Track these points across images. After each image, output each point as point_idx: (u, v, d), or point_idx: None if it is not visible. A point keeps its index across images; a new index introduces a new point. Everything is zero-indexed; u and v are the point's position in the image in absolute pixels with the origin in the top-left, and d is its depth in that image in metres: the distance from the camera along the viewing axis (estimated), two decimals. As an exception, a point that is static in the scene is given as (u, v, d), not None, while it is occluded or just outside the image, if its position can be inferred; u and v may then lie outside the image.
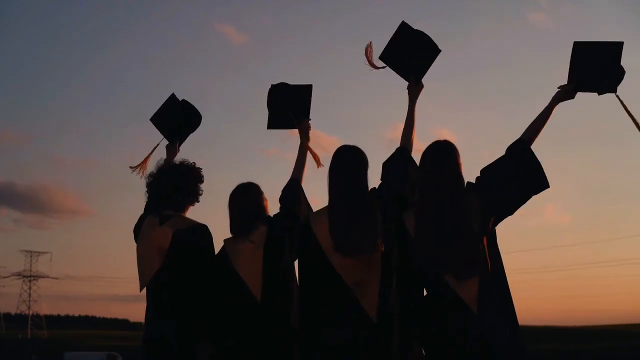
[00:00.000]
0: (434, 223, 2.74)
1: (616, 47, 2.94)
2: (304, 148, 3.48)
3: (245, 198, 3.27)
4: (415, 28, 3.32)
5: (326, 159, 3.12)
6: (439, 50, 3.29)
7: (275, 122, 3.66)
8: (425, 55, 3.30)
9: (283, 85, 3.62)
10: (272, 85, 3.65)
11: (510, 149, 2.90)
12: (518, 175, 2.81)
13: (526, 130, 2.94)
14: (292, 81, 3.61)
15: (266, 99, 3.66)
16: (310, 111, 3.58)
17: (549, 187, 2.82)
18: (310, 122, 3.57)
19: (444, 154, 2.85)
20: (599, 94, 2.98)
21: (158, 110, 3.84)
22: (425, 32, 3.30)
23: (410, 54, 3.31)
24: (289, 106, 3.57)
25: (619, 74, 2.93)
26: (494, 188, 2.80)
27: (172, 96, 3.83)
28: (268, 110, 3.66)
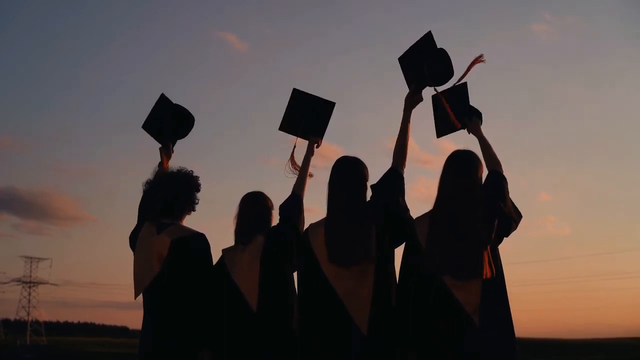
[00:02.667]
0: (447, 233, 2.74)
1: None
2: (307, 163, 3.39)
3: (254, 208, 3.27)
4: (438, 46, 3.23)
5: (328, 169, 3.12)
6: (451, 75, 3.22)
7: (290, 125, 3.52)
8: (436, 72, 3.22)
9: (308, 95, 3.50)
10: (296, 89, 3.51)
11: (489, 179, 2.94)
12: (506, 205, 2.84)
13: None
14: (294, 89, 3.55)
15: (289, 99, 3.51)
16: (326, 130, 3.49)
17: (521, 217, 2.89)
18: (321, 140, 3.50)
19: (461, 165, 2.88)
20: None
21: (149, 114, 3.73)
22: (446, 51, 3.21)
23: (422, 64, 3.23)
24: (309, 116, 3.48)
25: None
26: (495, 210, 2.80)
27: (162, 97, 3.70)
28: (287, 110, 3.52)
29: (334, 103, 3.50)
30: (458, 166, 2.88)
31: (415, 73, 3.26)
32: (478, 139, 3.14)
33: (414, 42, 3.30)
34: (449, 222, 2.75)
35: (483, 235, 2.70)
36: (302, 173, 3.37)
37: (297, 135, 3.52)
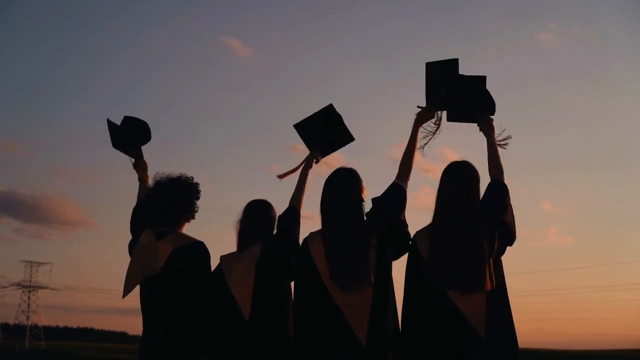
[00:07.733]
0: (448, 246, 2.72)
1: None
2: (305, 177, 3.38)
3: (256, 216, 3.27)
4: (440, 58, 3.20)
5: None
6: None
7: (305, 129, 3.50)
8: (461, 100, 3.20)
9: (339, 117, 3.46)
10: (332, 105, 3.45)
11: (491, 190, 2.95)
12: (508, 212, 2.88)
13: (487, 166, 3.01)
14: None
15: (321, 109, 3.48)
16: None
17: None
18: (320, 156, 3.50)
19: (459, 176, 2.84)
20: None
21: (115, 137, 3.75)
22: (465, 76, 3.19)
23: (448, 86, 3.20)
24: (327, 134, 3.48)
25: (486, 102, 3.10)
26: (496, 221, 2.81)
27: (108, 122, 3.74)
28: (312, 116, 3.49)
29: (354, 139, 3.49)
30: (455, 178, 2.84)
31: (438, 93, 3.21)
32: (487, 140, 3.11)
33: (442, 59, 3.22)
34: (449, 235, 2.73)
35: (485, 248, 2.68)
36: (301, 186, 3.35)
37: (306, 141, 3.51)
